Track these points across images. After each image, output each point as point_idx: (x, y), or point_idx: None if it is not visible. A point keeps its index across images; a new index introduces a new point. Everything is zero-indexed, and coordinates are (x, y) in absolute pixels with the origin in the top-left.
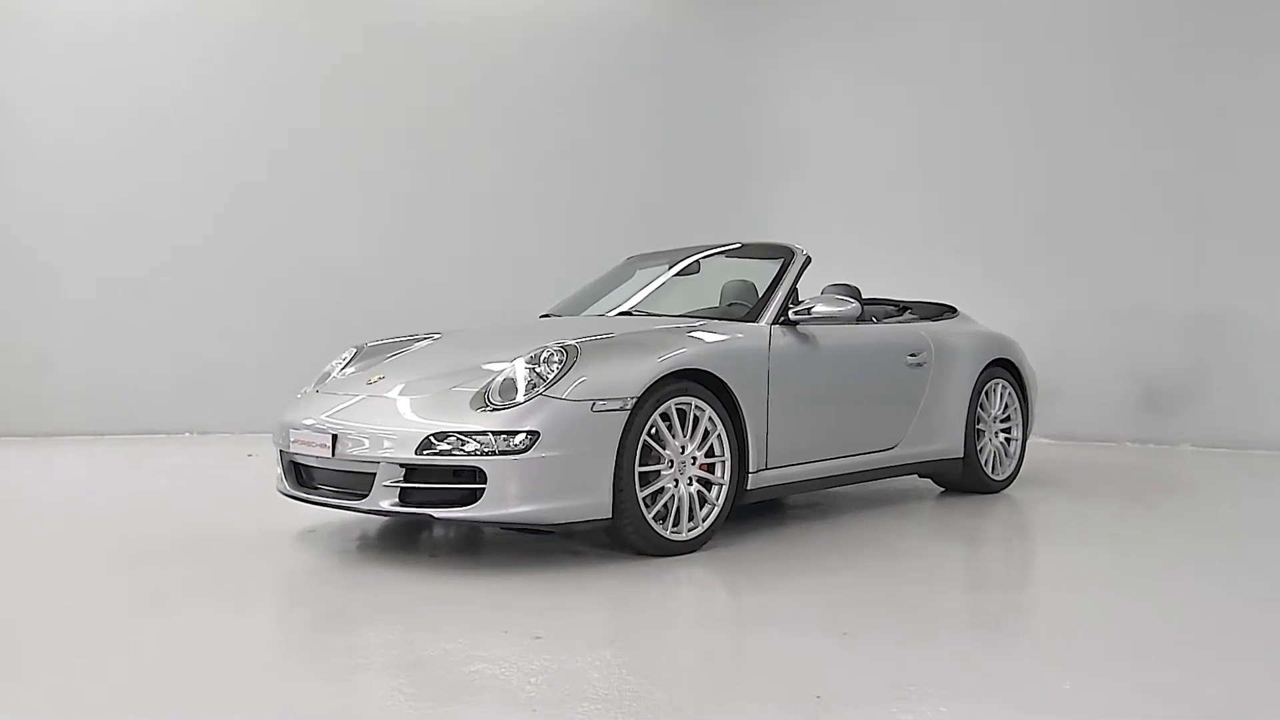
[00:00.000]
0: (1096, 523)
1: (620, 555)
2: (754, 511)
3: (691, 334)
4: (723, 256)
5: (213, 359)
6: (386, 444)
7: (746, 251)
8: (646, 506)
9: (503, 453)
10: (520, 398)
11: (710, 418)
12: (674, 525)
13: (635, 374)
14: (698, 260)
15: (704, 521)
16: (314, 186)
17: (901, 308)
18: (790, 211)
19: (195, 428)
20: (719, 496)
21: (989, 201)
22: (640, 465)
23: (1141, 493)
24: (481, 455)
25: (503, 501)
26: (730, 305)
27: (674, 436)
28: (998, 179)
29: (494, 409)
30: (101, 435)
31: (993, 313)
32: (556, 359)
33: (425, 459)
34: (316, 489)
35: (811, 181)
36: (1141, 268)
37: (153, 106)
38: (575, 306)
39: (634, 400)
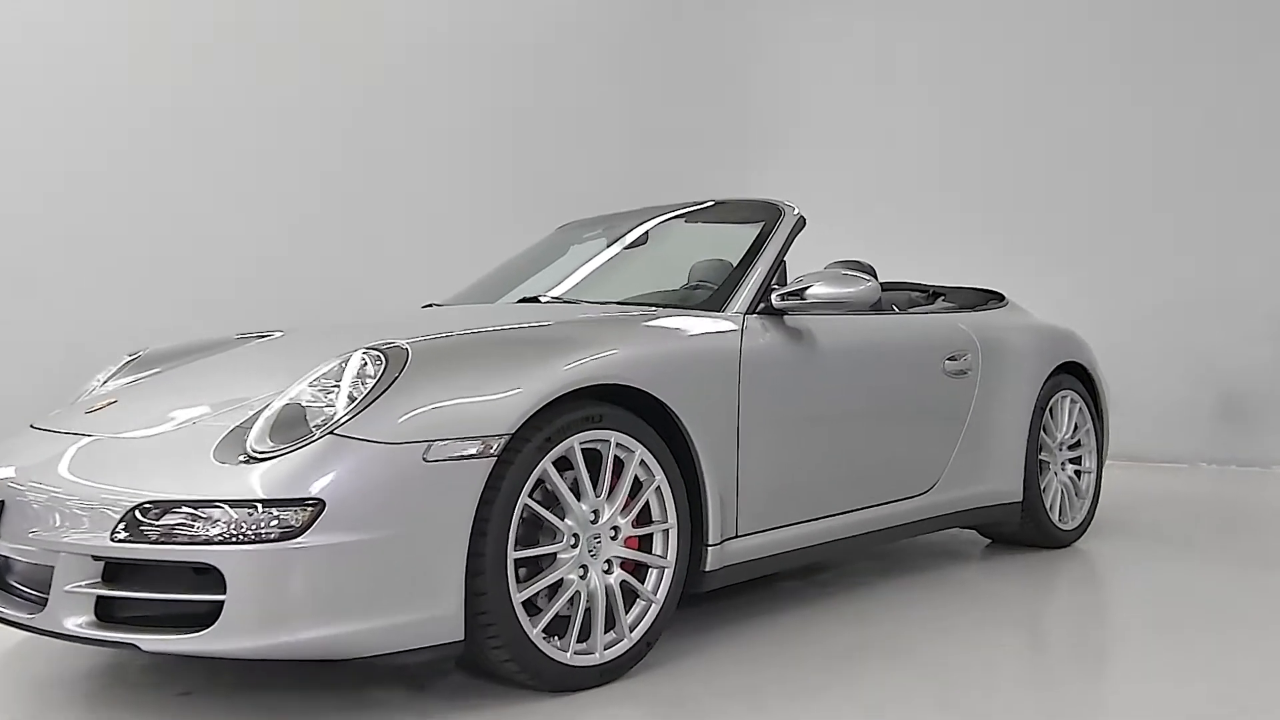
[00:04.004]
0: (1223, 607)
1: (492, 689)
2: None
3: (619, 329)
4: (682, 221)
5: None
6: (71, 520)
7: (717, 214)
8: (531, 613)
9: (258, 539)
10: (301, 439)
11: (643, 462)
12: (580, 640)
13: (508, 394)
14: (646, 231)
15: (632, 630)
16: (225, 157)
17: (932, 294)
18: (785, 186)
19: None
20: (658, 587)
21: (1022, 170)
22: (521, 547)
23: (1265, 547)
24: (225, 543)
25: (258, 623)
26: (694, 288)
27: (580, 497)
28: (1033, 141)
29: (252, 459)
30: None
31: (1031, 305)
32: (370, 372)
33: (130, 548)
34: (8, 588)
35: (811, 150)
36: (1219, 250)
37: (32, 69)
38: (484, 293)
39: (504, 439)
